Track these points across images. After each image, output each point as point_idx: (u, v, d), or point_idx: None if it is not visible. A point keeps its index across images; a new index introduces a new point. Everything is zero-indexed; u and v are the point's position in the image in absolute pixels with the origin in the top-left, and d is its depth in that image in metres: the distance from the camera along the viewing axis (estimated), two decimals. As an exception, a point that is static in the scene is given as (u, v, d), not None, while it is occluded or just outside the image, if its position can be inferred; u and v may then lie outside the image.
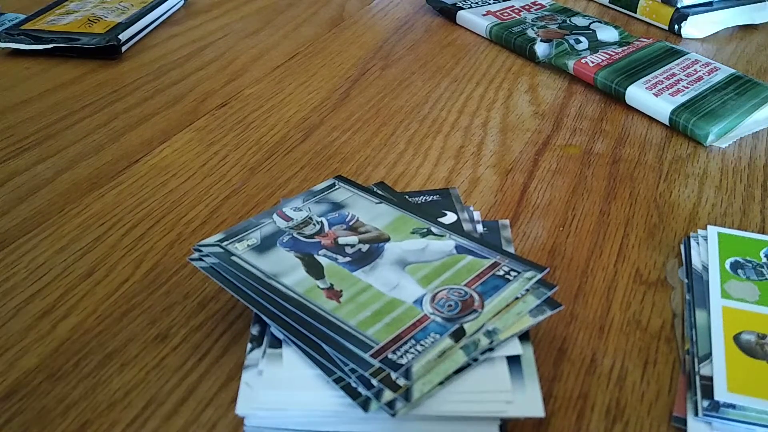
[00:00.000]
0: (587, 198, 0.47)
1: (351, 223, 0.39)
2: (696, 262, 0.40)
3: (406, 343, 0.31)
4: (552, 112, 0.58)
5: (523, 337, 0.33)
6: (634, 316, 0.38)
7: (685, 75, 0.59)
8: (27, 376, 0.34)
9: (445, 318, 0.32)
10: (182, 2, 0.81)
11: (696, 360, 0.33)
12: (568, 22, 0.71)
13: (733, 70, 0.60)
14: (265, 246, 0.38)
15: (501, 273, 0.35)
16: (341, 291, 0.34)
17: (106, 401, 0.33)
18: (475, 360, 0.31)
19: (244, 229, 0.39)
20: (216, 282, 0.36)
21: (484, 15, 0.73)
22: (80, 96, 0.61)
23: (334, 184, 0.43)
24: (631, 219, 0.45)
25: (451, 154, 0.52)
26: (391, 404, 0.29)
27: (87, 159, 0.52)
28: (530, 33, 0.69)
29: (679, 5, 0.72)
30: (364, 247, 0.38)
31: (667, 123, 0.55)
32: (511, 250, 0.41)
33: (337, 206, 0.41)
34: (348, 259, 0.37)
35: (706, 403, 0.31)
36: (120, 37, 0.68)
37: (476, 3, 0.77)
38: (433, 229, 0.39)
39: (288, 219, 0.40)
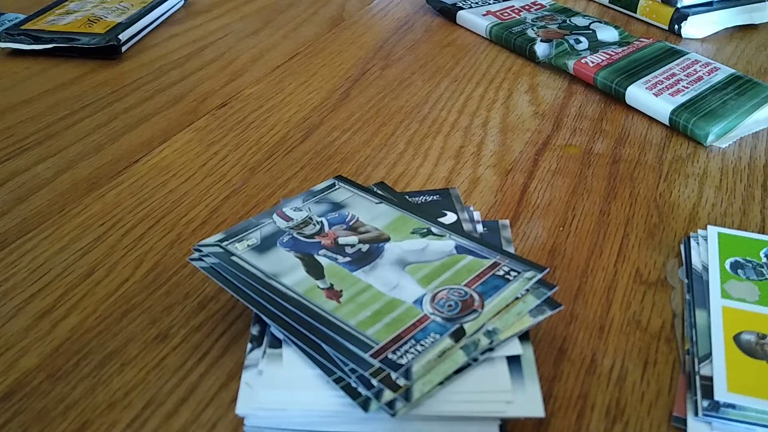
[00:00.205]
0: (587, 198, 0.47)
1: (351, 223, 0.39)
2: (696, 262, 0.40)
3: (406, 343, 0.31)
4: (552, 112, 0.58)
5: (523, 337, 0.33)
6: (634, 316, 0.38)
7: (685, 75, 0.59)
8: (27, 376, 0.34)
9: (445, 318, 0.32)
10: (182, 2, 0.81)
11: (696, 360, 0.33)
12: (568, 22, 0.71)
13: (733, 70, 0.60)
14: (265, 246, 0.38)
15: (501, 273, 0.35)
16: (341, 291, 0.34)
17: (106, 401, 0.33)
18: (475, 360, 0.31)
19: (244, 229, 0.39)
20: (216, 282, 0.36)
21: (484, 15, 0.73)
22: (80, 96, 0.61)
23: (334, 184, 0.43)
24: (631, 219, 0.45)
25: (451, 154, 0.52)
26: (391, 404, 0.29)
27: (87, 159, 0.52)
28: (530, 33, 0.69)
29: (679, 5, 0.72)
30: (364, 247, 0.38)
31: (667, 123, 0.55)
32: (511, 250, 0.41)
33: (337, 206, 0.41)
34: (348, 259, 0.37)
35: (706, 403, 0.31)
36: (120, 37, 0.68)
37: (476, 3, 0.77)
38: (433, 229, 0.39)
39: (288, 219, 0.40)
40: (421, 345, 0.31)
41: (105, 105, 0.59)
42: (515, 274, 0.35)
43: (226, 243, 0.38)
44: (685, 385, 0.33)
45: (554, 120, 0.57)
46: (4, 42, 0.68)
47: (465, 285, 0.34)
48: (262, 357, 0.32)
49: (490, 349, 0.32)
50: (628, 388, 0.33)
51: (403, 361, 0.30)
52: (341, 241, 0.38)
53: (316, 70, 0.66)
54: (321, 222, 0.40)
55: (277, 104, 0.60)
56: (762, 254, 0.40)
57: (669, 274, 0.40)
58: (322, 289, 0.35)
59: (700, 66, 0.61)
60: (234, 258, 0.37)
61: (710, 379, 0.32)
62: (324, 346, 0.31)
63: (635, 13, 0.76)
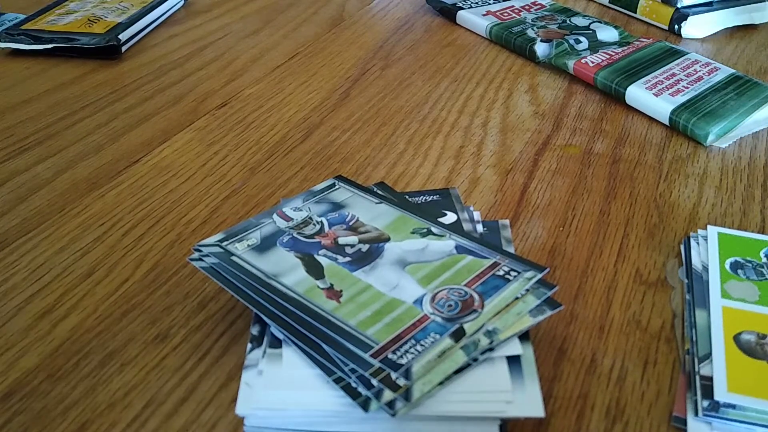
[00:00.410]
0: (587, 198, 0.47)
1: (351, 223, 0.39)
2: (696, 262, 0.40)
3: (406, 343, 0.31)
4: (552, 112, 0.58)
5: (523, 337, 0.33)
6: (634, 316, 0.38)
7: (685, 75, 0.59)
8: (27, 376, 0.34)
9: (445, 318, 0.32)
10: (182, 2, 0.81)
11: (696, 360, 0.33)
12: (568, 22, 0.71)
13: (733, 70, 0.60)
14: (265, 246, 0.38)
15: (501, 273, 0.35)
16: (341, 291, 0.34)
17: (106, 401, 0.33)
18: (475, 360, 0.31)
19: (244, 229, 0.39)
20: (216, 282, 0.36)
21: (484, 15, 0.73)
22: (80, 96, 0.61)
23: (334, 184, 0.43)
24: (631, 219, 0.45)
25: (451, 154, 0.52)
26: (391, 404, 0.29)
27: (87, 159, 0.52)
28: (530, 33, 0.69)
29: (679, 5, 0.72)
30: (364, 247, 0.38)
31: (667, 123, 0.55)
32: (511, 250, 0.41)
33: (337, 206, 0.41)
34: (348, 259, 0.37)
35: (706, 403, 0.31)
36: (120, 37, 0.68)
37: (476, 3, 0.77)
38: (433, 229, 0.39)
39: (288, 219, 0.40)
40: (421, 345, 0.31)
41: (105, 105, 0.59)
42: (515, 274, 0.35)
43: (226, 243, 0.38)
44: (685, 385, 0.33)
45: (554, 120, 0.57)
46: (4, 42, 0.68)
47: (465, 285, 0.34)
48: (262, 357, 0.32)
49: (490, 349, 0.32)
50: (628, 388, 0.33)
51: (403, 361, 0.30)
52: (341, 241, 0.38)
53: (316, 70, 0.66)
54: (321, 222, 0.40)
55: (277, 104, 0.60)
56: (762, 254, 0.40)
57: (669, 274, 0.40)
58: (322, 289, 0.35)
59: (700, 66, 0.61)
60: (234, 258, 0.37)
61: (710, 379, 0.32)
62: (324, 346, 0.31)
63: (635, 13, 0.76)
